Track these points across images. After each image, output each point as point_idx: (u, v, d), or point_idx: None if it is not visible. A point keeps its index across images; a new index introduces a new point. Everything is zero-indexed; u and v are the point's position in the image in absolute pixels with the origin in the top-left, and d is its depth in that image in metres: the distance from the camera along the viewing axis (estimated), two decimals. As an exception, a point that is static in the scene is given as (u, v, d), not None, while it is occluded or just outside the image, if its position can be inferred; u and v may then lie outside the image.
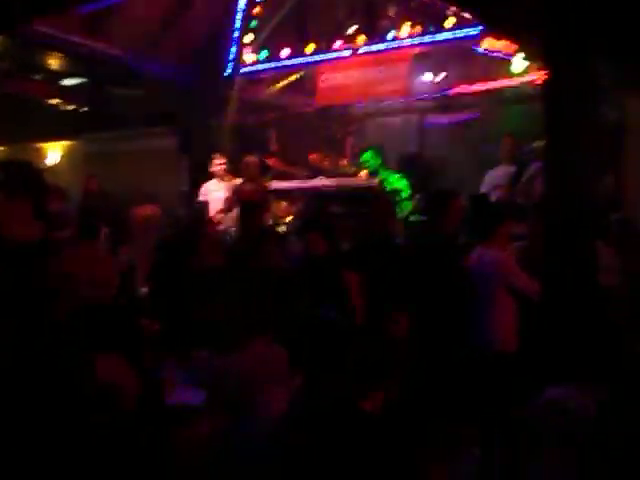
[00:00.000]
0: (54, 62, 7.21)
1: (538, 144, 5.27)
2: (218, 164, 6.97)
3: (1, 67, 7.23)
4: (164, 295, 4.38)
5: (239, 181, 6.79)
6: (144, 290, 5.39)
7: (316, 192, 6.93)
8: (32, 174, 2.10)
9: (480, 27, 6.30)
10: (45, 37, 6.50)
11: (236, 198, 6.36)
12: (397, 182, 6.49)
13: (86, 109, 8.55)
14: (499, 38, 6.36)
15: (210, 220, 6.13)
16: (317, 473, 2.08)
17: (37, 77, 7.71)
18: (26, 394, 1.75)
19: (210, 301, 3.90)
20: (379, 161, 6.73)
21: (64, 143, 10.91)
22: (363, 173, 6.96)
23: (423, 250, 4.11)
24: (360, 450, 1.97)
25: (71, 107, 8.40)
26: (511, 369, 3.50)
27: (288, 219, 6.68)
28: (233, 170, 7.01)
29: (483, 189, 5.94)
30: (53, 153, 11.09)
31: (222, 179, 6.96)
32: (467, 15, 5.14)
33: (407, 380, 2.48)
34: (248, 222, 5.06)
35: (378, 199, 5.60)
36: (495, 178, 5.98)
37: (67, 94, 8.08)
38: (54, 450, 1.81)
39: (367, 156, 6.79)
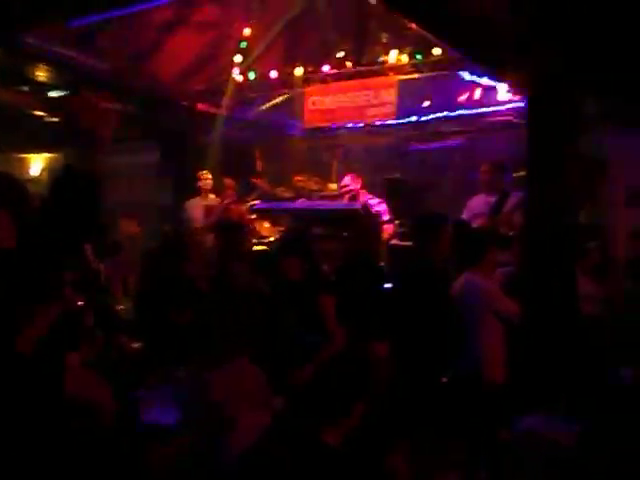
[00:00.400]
0: (41, 73, 7.18)
1: (519, 174, 5.35)
2: (205, 180, 7.03)
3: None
4: (149, 306, 4.36)
5: (216, 200, 6.89)
6: (121, 307, 5.35)
7: (299, 214, 6.95)
8: (12, 184, 2.14)
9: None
10: (32, 48, 6.49)
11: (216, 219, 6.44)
12: (377, 206, 6.52)
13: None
14: (483, 72, 6.48)
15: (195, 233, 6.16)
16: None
17: (24, 88, 7.67)
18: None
19: (190, 320, 3.88)
20: (358, 185, 6.75)
21: (48, 155, 10.84)
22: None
23: (410, 275, 4.06)
24: None
25: (56, 119, 8.35)
26: (498, 396, 3.48)
27: (271, 239, 6.69)
28: (214, 189, 7.08)
29: (464, 216, 5.98)
30: (37, 164, 11.01)
31: (207, 196, 7.02)
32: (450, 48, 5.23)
33: (380, 407, 2.46)
34: (227, 243, 5.05)
35: (362, 221, 5.63)
36: (475, 207, 6.02)
37: (53, 106, 8.04)
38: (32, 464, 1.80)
39: (346, 180, 6.80)
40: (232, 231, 5.18)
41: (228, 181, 7.04)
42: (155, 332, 4.16)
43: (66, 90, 7.94)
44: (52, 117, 8.22)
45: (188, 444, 2.55)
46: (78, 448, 1.99)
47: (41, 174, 10.96)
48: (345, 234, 5.78)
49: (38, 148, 10.55)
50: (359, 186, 6.79)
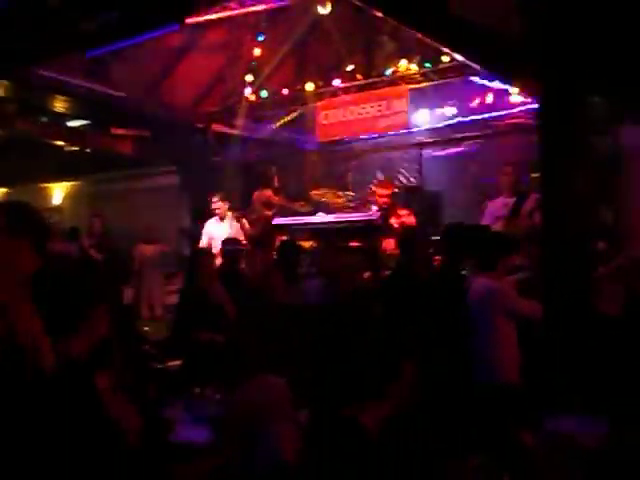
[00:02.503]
0: (59, 104, 7.36)
1: (536, 175, 5.33)
2: (216, 204, 7.05)
3: (8, 109, 7.38)
4: (180, 328, 4.43)
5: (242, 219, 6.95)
6: (146, 329, 5.43)
7: (318, 227, 6.99)
8: (31, 215, 2.25)
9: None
10: (49, 80, 6.66)
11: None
12: (405, 217, 6.47)
13: (89, 150, 8.70)
14: (493, 76, 6.48)
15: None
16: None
17: (43, 119, 7.87)
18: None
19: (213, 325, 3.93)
20: (391, 197, 6.69)
21: (68, 183, 11.07)
22: (368, 208, 6.98)
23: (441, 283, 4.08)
24: (360, 469, 1.93)
25: (75, 148, 8.55)
26: (515, 400, 3.47)
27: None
28: (237, 206, 7.11)
29: (484, 221, 5.97)
30: (58, 193, 11.24)
31: (222, 218, 7.05)
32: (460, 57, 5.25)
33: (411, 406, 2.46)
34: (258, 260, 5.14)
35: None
36: (496, 209, 6.01)
37: (71, 135, 8.24)
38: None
39: (381, 191, 6.73)
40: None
41: (257, 193, 7.02)
42: (186, 352, 4.22)
43: (84, 119, 8.15)
44: (71, 146, 8.42)
45: (220, 461, 2.58)
46: (111, 467, 2.03)
47: (62, 202, 11.19)
48: (364, 245, 5.80)
49: (59, 177, 10.79)
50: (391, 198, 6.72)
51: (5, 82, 6.40)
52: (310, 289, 4.85)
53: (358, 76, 7.85)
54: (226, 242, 5.89)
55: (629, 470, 1.87)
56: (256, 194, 7.05)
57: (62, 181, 11.00)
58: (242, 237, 6.77)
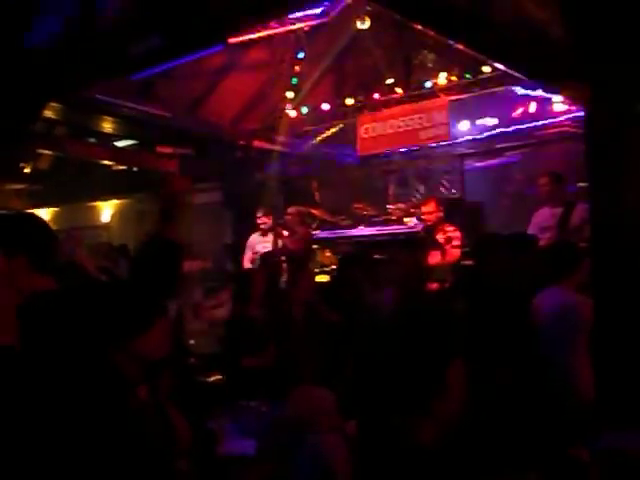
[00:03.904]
0: (107, 125, 7.62)
1: (582, 184, 5.21)
2: (261, 219, 7.14)
3: (59, 131, 7.67)
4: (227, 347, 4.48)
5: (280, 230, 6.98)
6: (192, 342, 5.51)
7: (359, 240, 6.99)
8: (29, 227, 1.98)
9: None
10: (97, 102, 6.90)
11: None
12: (451, 233, 6.38)
13: (136, 169, 8.95)
14: (535, 85, 6.39)
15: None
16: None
17: (92, 140, 8.14)
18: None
19: (259, 350, 3.96)
20: (441, 213, 6.53)
21: (117, 202, 11.37)
22: (410, 220, 6.92)
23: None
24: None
25: (123, 167, 8.80)
26: (582, 414, 3.31)
27: (333, 267, 6.74)
28: (278, 223, 7.16)
29: (530, 231, 5.86)
30: (106, 211, 11.56)
31: (266, 233, 7.13)
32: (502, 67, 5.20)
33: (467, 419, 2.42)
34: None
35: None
36: (542, 220, 5.89)
37: (120, 155, 8.50)
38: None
39: (430, 207, 6.54)
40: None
41: (291, 210, 7.06)
42: (231, 369, 4.25)
43: (131, 139, 8.40)
44: (119, 166, 8.68)
45: (268, 472, 2.59)
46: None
47: (111, 220, 11.50)
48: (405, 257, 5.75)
49: (107, 195, 11.10)
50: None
51: (56, 105, 6.65)
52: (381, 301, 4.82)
53: (398, 89, 7.87)
54: (267, 256, 5.95)
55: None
56: (292, 209, 7.07)
57: (110, 199, 11.32)
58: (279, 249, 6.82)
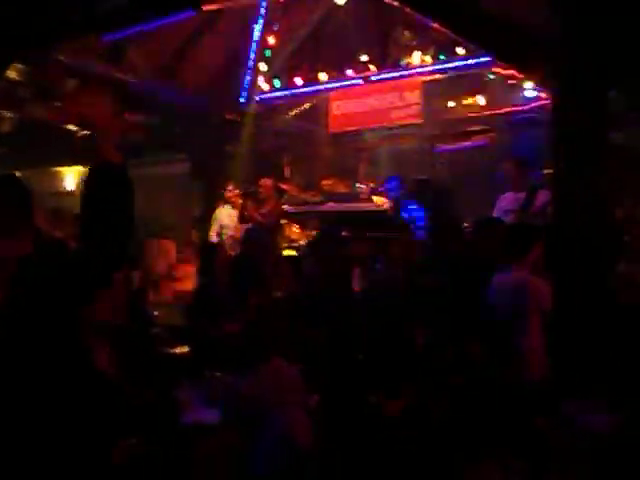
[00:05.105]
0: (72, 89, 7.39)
1: (547, 171, 5.31)
2: (231, 191, 7.10)
3: (22, 93, 7.42)
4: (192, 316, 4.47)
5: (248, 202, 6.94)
6: (156, 313, 5.47)
7: (328, 216, 7.00)
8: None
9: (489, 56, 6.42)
10: (64, 64, 6.69)
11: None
12: (415, 211, 6.47)
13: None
14: (507, 68, 6.45)
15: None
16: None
17: (56, 103, 7.90)
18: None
19: (225, 322, 3.96)
20: (403, 190, 6.68)
21: (82, 168, 11.08)
22: (379, 199, 6.98)
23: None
24: (382, 452, 1.97)
25: (88, 133, 8.58)
26: (536, 387, 3.39)
27: (301, 242, 6.75)
28: (247, 194, 7.13)
29: (495, 214, 5.96)
30: (71, 178, 11.28)
31: (235, 206, 7.09)
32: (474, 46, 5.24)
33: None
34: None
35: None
36: (506, 204, 5.99)
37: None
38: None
39: (392, 185, 6.68)
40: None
41: (265, 181, 7.00)
42: (197, 340, 4.25)
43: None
44: (84, 131, 8.46)
45: (230, 440, 2.62)
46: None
47: (76, 188, 11.23)
48: (371, 235, 5.80)
49: (72, 162, 10.81)
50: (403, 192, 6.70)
51: (19, 65, 6.43)
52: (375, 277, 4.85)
53: (372, 67, 7.84)
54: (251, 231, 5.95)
55: (635, 456, 1.88)
56: (267, 182, 6.99)
57: (75, 166, 11.03)
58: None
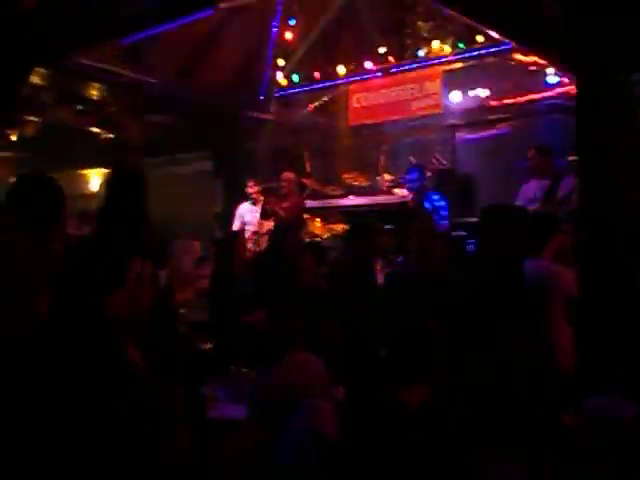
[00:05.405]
0: (94, 92, 7.50)
1: (572, 158, 5.22)
2: (252, 187, 7.12)
3: (46, 97, 7.54)
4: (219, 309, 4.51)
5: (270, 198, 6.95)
6: (182, 311, 5.53)
7: (349, 210, 7.00)
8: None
9: (509, 43, 6.32)
10: (84, 67, 6.78)
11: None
12: (437, 202, 6.42)
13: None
14: (528, 54, 6.35)
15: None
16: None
17: (79, 107, 8.02)
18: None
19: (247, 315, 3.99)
20: (424, 181, 6.64)
21: (106, 170, 11.22)
22: (401, 191, 6.95)
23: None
24: (402, 444, 1.97)
25: (111, 135, 8.69)
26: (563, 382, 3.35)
27: (323, 237, 6.76)
28: (268, 190, 7.14)
29: (518, 203, 5.89)
30: (96, 179, 11.43)
31: (256, 202, 7.11)
32: (494, 34, 5.16)
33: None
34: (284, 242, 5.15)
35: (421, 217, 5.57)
36: (529, 192, 5.92)
37: (108, 123, 8.39)
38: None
39: (414, 176, 6.64)
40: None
41: (287, 175, 6.94)
42: (225, 333, 4.29)
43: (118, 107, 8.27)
44: (108, 134, 8.57)
45: (257, 436, 2.64)
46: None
47: (100, 189, 11.38)
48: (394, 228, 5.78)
49: (96, 164, 10.96)
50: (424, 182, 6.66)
51: (42, 70, 6.53)
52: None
53: (390, 58, 7.79)
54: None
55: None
56: (289, 175, 6.97)
57: (99, 168, 11.18)
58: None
